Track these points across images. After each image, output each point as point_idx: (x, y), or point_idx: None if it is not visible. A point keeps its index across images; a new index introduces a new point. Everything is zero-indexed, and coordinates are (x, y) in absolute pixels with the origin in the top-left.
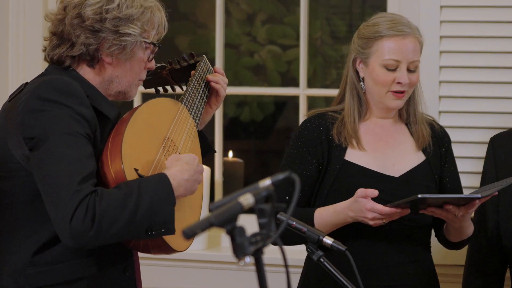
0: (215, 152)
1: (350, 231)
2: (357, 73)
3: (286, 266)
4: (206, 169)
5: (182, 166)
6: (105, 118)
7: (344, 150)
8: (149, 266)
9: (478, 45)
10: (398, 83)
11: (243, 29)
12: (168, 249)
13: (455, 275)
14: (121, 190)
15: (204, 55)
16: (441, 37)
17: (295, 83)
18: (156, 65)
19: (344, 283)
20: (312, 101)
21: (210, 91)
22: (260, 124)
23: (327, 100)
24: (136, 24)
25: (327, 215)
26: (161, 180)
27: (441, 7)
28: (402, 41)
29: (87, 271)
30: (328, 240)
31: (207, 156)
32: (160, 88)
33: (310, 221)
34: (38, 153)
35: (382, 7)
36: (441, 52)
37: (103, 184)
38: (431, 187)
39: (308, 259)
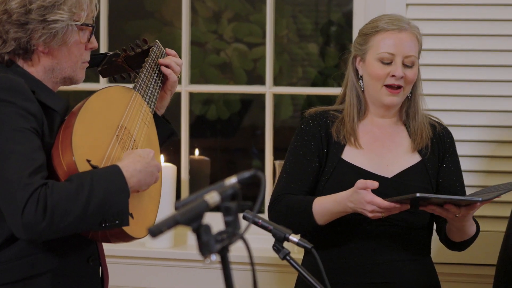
0: (178, 136)
1: (341, 230)
2: (357, 71)
3: (252, 264)
4: (172, 167)
5: (134, 158)
6: (52, 111)
7: (342, 148)
8: (115, 264)
9: (444, 43)
10: (393, 76)
11: (209, 27)
12: (127, 237)
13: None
14: (72, 182)
15: (157, 40)
16: None
17: (261, 81)
18: (109, 53)
19: (310, 282)
20: (278, 99)
21: (164, 75)
22: (226, 122)
23: (294, 98)
24: (62, 9)
25: (327, 203)
26: (114, 172)
27: (407, 5)
28: (398, 35)
29: (49, 265)
30: (294, 238)
31: (171, 141)
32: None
33: (308, 208)
34: None
35: (348, 5)
36: None
37: (55, 178)
38: (426, 188)
39: (305, 255)
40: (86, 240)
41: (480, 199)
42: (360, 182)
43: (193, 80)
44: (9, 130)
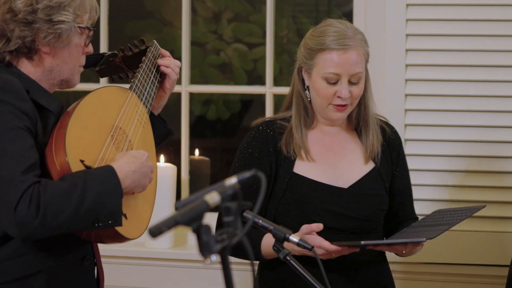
0: (174, 135)
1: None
2: (303, 81)
3: (252, 264)
4: (172, 167)
5: (128, 159)
6: (47, 111)
7: (292, 162)
8: (114, 264)
9: (444, 43)
10: (339, 97)
11: (209, 27)
12: (120, 238)
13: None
14: (66, 181)
15: (154, 40)
16: (407, 35)
17: (261, 81)
18: (107, 53)
19: (310, 282)
20: (278, 99)
21: (162, 75)
22: (226, 122)
23: None
24: (68, 10)
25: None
26: (108, 172)
27: (407, 5)
28: (343, 56)
29: (43, 264)
30: (294, 238)
31: (167, 140)
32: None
33: (258, 244)
34: None
35: (348, 5)
36: (407, 50)
37: (48, 177)
38: (381, 195)
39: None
40: (81, 240)
41: (424, 239)
42: (305, 228)
43: (193, 80)
44: (3, 128)
